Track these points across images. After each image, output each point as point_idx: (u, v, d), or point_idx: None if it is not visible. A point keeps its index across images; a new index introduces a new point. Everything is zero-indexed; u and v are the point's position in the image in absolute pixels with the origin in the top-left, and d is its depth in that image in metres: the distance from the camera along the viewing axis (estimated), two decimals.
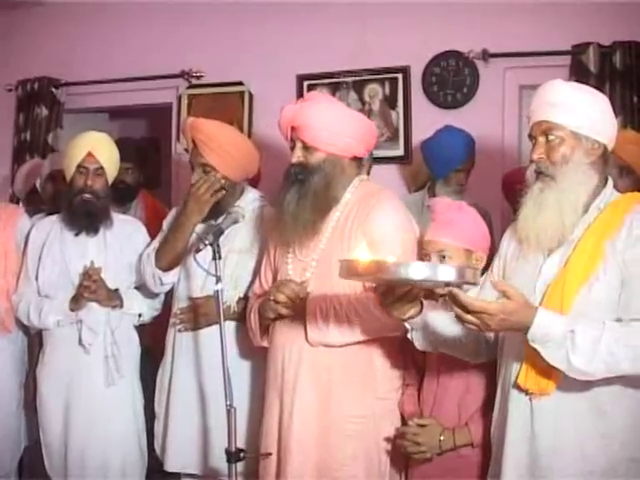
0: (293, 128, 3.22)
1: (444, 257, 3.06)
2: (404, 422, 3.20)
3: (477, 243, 3.12)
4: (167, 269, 3.74)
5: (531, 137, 2.70)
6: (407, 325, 2.71)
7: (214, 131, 3.69)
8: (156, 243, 3.81)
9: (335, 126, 3.17)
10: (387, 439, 3.19)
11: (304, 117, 3.18)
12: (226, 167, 3.68)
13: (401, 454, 3.13)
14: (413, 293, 2.52)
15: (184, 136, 3.82)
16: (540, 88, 2.71)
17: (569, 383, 2.47)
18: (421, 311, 2.62)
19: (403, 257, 3.10)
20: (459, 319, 2.40)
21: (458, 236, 3.07)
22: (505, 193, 4.57)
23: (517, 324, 2.39)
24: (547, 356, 2.41)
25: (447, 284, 2.34)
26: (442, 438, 2.98)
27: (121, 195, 4.80)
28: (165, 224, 3.89)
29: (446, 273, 2.26)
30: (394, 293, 2.51)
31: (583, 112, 2.62)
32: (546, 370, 2.49)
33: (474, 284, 2.38)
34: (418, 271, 2.23)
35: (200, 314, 3.64)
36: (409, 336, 2.79)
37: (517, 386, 2.61)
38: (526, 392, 2.59)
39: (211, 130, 3.69)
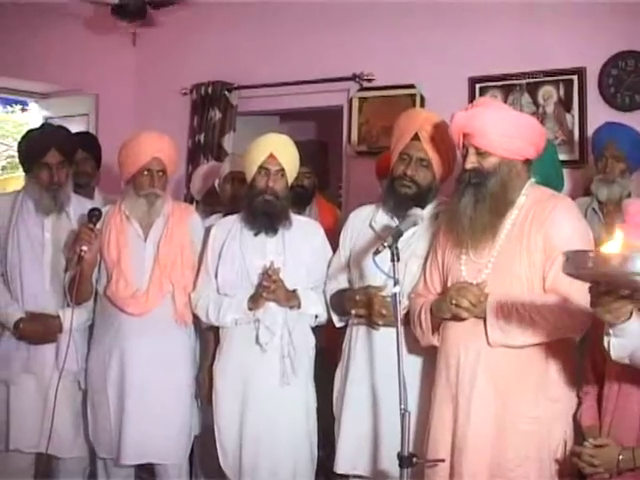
0: (465, 135, 3.22)
1: None
2: (578, 431, 3.15)
3: None
4: None
5: None
6: (610, 331, 2.61)
7: (446, 130, 3.68)
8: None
9: (507, 130, 3.17)
10: (558, 443, 3.14)
11: (476, 123, 3.18)
12: (441, 166, 3.73)
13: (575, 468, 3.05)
14: (632, 297, 2.42)
15: (403, 128, 3.78)
16: None
17: None
18: (630, 318, 2.53)
19: None
20: None
21: None
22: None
23: None
24: None
25: None
26: (621, 458, 2.88)
27: (299, 199, 4.89)
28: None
29: None
30: (611, 294, 2.41)
31: None
32: None
33: None
34: None
35: (378, 313, 3.62)
36: (605, 343, 2.69)
37: None
38: None
39: (444, 129, 3.69)
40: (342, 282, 3.95)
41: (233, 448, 3.97)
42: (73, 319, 4.07)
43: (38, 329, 4.16)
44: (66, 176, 4.30)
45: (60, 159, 4.25)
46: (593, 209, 4.44)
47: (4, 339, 4.22)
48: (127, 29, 6.26)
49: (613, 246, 2.21)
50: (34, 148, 4.30)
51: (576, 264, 2.22)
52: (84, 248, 3.94)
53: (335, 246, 4.03)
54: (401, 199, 3.71)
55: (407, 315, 3.51)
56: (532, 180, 3.30)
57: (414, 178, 3.69)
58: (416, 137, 3.69)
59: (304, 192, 4.99)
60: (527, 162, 3.27)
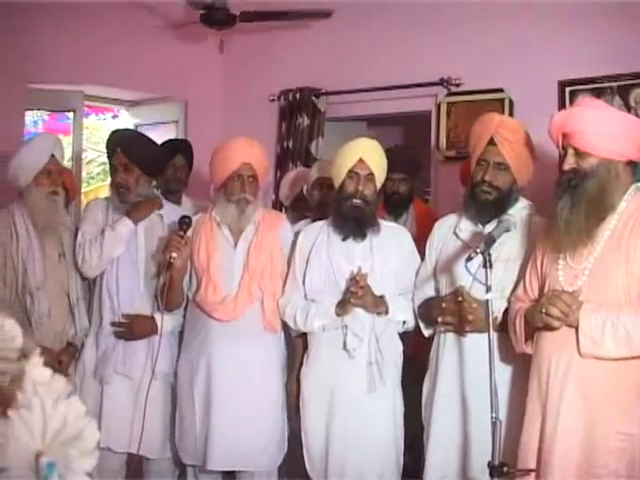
0: (564, 135, 3.16)
1: None
2: None
3: None
4: None
5: None
6: None
7: (521, 132, 3.70)
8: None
9: (608, 130, 3.09)
10: None
11: (575, 123, 3.12)
12: (520, 169, 3.69)
13: None
14: None
15: (478, 133, 3.77)
16: None
17: None
18: None
19: None
20: None
21: None
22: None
23: None
24: None
25: None
26: None
27: (395, 206, 4.87)
28: None
29: None
30: None
31: None
32: None
33: None
34: None
35: (467, 320, 3.59)
36: None
37: None
38: None
39: (519, 130, 3.70)
40: (429, 291, 3.93)
41: (320, 454, 3.97)
42: (164, 324, 4.12)
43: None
44: (135, 179, 4.30)
45: (124, 161, 4.28)
46: None
47: (104, 337, 4.28)
48: (215, 36, 6.31)
49: None
50: (107, 152, 4.43)
51: None
52: (173, 255, 3.97)
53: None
54: (482, 205, 3.71)
55: (495, 321, 3.46)
56: (638, 184, 3.21)
57: (493, 183, 3.67)
58: (492, 142, 3.66)
59: (400, 198, 4.96)
60: (630, 164, 3.17)
